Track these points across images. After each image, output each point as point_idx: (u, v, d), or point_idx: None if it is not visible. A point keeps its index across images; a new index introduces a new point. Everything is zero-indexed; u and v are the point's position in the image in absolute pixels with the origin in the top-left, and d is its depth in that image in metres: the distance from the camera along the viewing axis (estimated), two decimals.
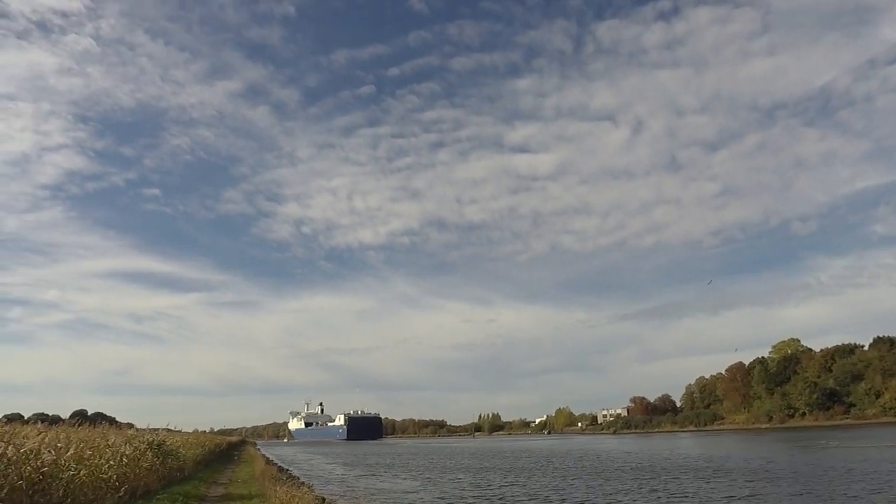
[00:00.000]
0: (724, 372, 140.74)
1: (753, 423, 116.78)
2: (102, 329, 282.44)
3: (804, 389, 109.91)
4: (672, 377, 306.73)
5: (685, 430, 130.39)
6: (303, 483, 25.34)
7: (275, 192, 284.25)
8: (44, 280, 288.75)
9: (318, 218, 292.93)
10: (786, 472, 27.04)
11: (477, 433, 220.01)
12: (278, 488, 16.29)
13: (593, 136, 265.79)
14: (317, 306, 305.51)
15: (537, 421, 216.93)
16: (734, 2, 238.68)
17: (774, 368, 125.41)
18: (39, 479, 9.63)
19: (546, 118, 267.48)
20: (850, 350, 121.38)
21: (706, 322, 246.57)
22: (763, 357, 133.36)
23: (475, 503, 20.58)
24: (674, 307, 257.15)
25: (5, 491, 8.78)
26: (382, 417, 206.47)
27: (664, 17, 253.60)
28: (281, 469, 34.86)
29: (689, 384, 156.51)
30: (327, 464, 50.28)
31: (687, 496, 20.57)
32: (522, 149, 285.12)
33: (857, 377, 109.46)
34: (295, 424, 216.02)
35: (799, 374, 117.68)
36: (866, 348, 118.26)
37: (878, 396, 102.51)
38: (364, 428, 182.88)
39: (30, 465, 9.51)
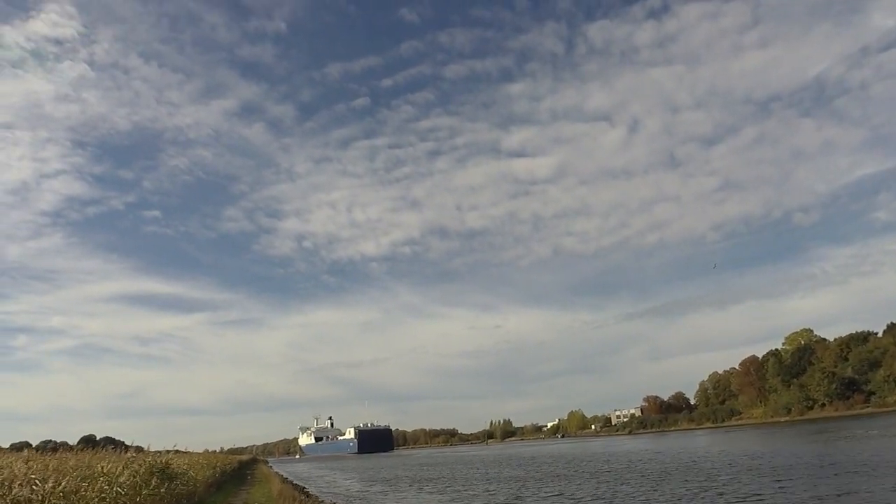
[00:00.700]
0: (737, 366, 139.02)
1: (772, 416, 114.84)
2: (108, 353, 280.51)
3: (822, 380, 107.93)
4: (683, 374, 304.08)
5: (702, 427, 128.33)
6: (323, 503, 23.79)
7: (274, 209, 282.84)
8: (48, 307, 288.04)
9: (319, 232, 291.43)
10: (853, 464, 25.41)
11: (489, 440, 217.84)
12: None
13: (590, 137, 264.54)
14: (321, 320, 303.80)
15: (549, 425, 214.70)
16: None
17: (789, 360, 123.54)
18: None
19: (542, 121, 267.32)
20: (864, 338, 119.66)
21: (713, 317, 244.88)
22: (776, 349, 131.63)
23: None
24: (680, 304, 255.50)
25: None
26: (393, 429, 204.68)
27: (654, 15, 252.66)
28: (298, 488, 33.27)
29: (703, 380, 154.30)
30: (345, 479, 48.62)
31: (762, 498, 18.99)
32: (520, 153, 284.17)
33: (875, 365, 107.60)
34: (305, 440, 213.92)
35: (815, 364, 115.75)
36: (880, 335, 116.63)
37: None
38: (375, 440, 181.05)
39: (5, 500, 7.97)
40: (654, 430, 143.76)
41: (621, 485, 25.29)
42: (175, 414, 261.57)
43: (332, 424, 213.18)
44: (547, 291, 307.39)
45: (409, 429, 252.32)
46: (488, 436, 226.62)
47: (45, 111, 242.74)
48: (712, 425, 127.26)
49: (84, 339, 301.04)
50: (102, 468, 12.68)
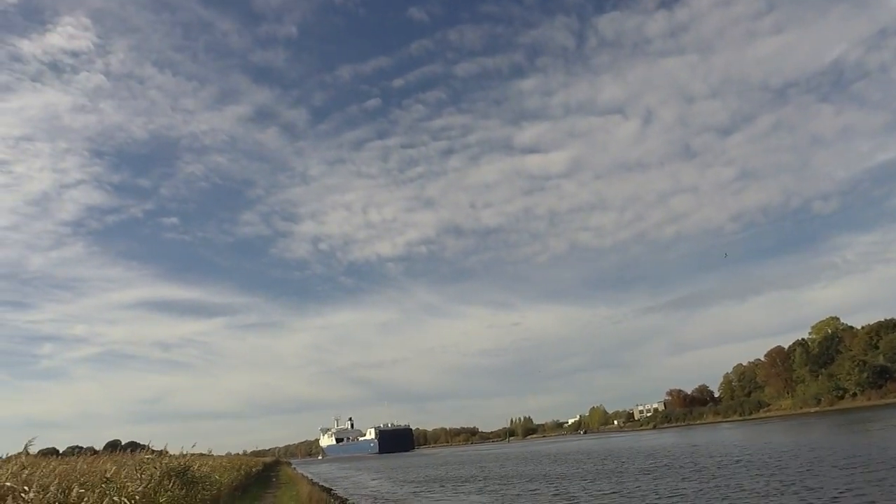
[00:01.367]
0: (763, 357, 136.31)
1: (801, 407, 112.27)
2: (132, 359, 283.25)
3: (853, 369, 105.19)
4: (706, 367, 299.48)
5: (729, 420, 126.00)
6: None
7: (290, 212, 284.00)
8: (71, 315, 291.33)
9: (335, 234, 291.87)
10: None
11: (511, 438, 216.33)
12: None
13: (604, 131, 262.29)
14: (340, 322, 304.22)
15: (570, 421, 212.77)
16: None
17: (816, 349, 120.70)
18: None
19: (554, 116, 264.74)
20: (893, 325, 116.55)
21: (734, 309, 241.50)
22: (803, 339, 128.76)
23: None
24: (700, 296, 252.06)
25: None
26: (413, 428, 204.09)
27: (665, 4, 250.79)
28: (327, 490, 32.32)
29: (727, 373, 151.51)
30: (371, 480, 47.67)
31: (842, 492, 17.57)
32: (533, 149, 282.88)
33: None
34: (326, 441, 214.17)
35: (843, 353, 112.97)
36: None
37: None
38: (395, 440, 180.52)
39: None
40: (679, 424, 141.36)
41: (682, 480, 23.71)
42: (198, 418, 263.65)
43: (352, 425, 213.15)
44: (564, 287, 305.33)
45: (429, 428, 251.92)
46: (509, 433, 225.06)
47: (64, 122, 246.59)
48: (739, 418, 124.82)
49: (107, 346, 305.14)
50: (107, 474, 11.17)
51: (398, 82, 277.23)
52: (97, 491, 9.19)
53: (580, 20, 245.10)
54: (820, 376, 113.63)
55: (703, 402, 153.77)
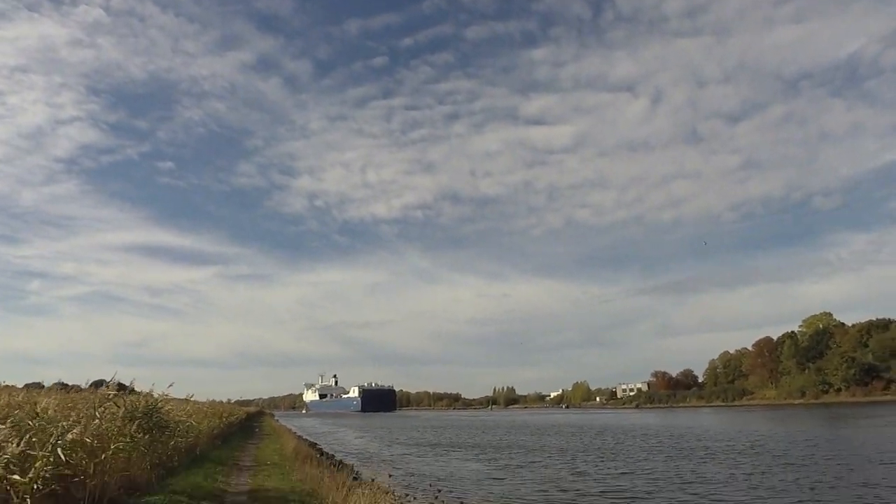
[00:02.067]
0: (750, 347, 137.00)
1: (785, 398, 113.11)
2: (120, 302, 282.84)
3: (841, 364, 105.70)
4: (692, 353, 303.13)
5: (711, 405, 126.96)
6: (356, 470, 21.61)
7: (288, 165, 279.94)
8: (61, 253, 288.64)
9: (332, 191, 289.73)
10: None
11: (493, 406, 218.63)
12: (344, 488, 12.19)
13: (612, 108, 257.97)
14: (331, 279, 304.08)
15: (552, 395, 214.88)
16: None
17: (806, 343, 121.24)
18: None
19: (563, 89, 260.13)
20: (884, 325, 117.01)
21: (724, 297, 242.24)
22: (792, 331, 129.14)
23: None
24: (691, 282, 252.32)
25: None
26: (397, 390, 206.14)
27: None
28: (314, 447, 31.39)
29: (713, 359, 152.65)
30: (357, 438, 47.05)
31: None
32: (538, 121, 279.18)
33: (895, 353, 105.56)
34: (310, 396, 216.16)
35: (833, 349, 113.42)
36: None
37: None
38: (378, 400, 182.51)
39: None
40: (661, 405, 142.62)
41: (703, 463, 22.82)
42: (183, 364, 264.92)
43: (336, 382, 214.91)
44: (557, 263, 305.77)
45: (412, 391, 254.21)
46: (492, 402, 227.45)
47: (60, 56, 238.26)
48: (722, 403, 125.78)
49: (96, 286, 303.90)
50: (37, 409, 8.69)
51: (407, 41, 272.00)
52: (26, 432, 6.87)
53: None
54: (807, 370, 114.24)
55: (688, 386, 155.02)
